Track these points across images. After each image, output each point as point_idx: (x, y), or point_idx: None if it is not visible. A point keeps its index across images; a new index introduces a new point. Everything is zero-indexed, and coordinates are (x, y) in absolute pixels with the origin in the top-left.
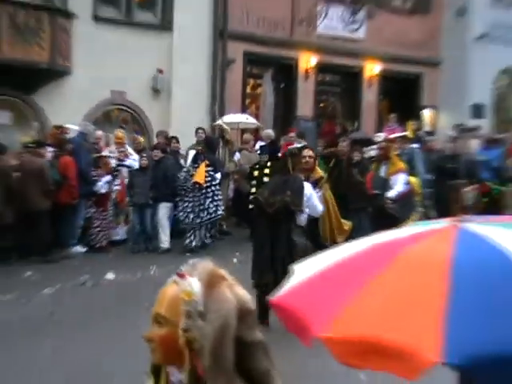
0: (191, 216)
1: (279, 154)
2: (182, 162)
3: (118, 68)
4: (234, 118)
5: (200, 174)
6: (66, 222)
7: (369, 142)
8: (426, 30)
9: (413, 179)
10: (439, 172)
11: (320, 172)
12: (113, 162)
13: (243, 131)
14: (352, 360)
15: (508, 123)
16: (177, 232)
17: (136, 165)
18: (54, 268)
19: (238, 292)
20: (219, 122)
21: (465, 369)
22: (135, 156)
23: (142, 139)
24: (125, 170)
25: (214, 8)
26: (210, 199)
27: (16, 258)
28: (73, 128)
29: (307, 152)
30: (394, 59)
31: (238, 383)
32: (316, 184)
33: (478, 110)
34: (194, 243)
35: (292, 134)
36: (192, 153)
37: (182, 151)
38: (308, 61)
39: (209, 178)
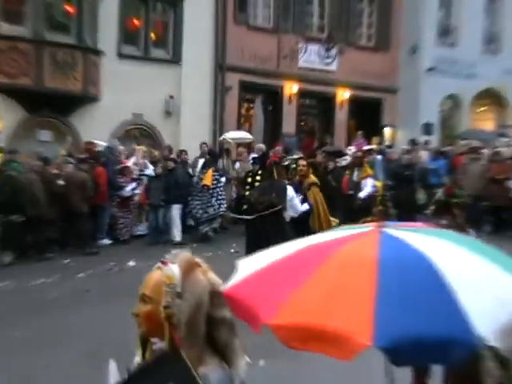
0: (200, 212)
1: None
2: (190, 170)
3: (137, 95)
4: (236, 134)
5: (208, 178)
6: (96, 220)
7: (340, 154)
8: (386, 64)
9: (378, 183)
10: (397, 178)
11: (313, 178)
12: (135, 171)
13: (238, 145)
14: (295, 343)
15: (451, 139)
16: (188, 227)
17: (152, 173)
18: (87, 257)
19: (210, 277)
20: (224, 137)
21: (391, 351)
22: (150, 166)
23: (156, 152)
24: (145, 178)
25: (215, 46)
26: (215, 198)
27: (57, 249)
28: (99, 143)
29: (301, 162)
30: (361, 87)
31: (207, 353)
32: (309, 188)
33: (427, 128)
34: (204, 230)
35: (278, 148)
36: (201, 161)
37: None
38: (291, 88)
39: (215, 182)
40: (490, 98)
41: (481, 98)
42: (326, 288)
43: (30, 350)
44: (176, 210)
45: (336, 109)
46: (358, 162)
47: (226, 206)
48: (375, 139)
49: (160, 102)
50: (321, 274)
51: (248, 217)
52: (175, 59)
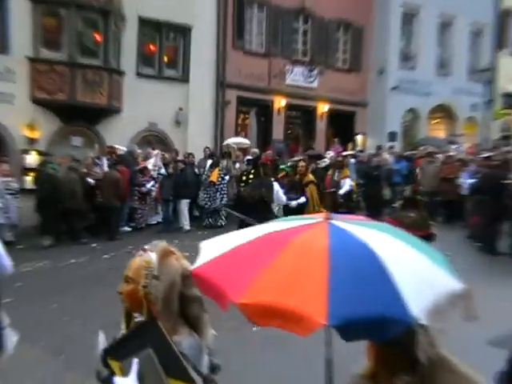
0: (208, 203)
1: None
2: (196, 170)
3: (152, 107)
4: (236, 140)
5: (214, 176)
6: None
7: (320, 157)
8: (358, 83)
9: (354, 182)
10: (367, 177)
11: (311, 177)
12: (152, 171)
13: (239, 149)
14: (259, 320)
15: (412, 145)
16: (194, 218)
17: (165, 172)
18: (111, 242)
19: (182, 262)
20: (228, 142)
21: (342, 328)
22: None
23: (167, 155)
24: (160, 177)
25: (217, 67)
26: (219, 192)
27: (88, 235)
28: (120, 147)
29: (301, 163)
30: (337, 101)
31: (180, 324)
32: (307, 185)
33: (392, 136)
34: (209, 221)
35: (269, 152)
36: (209, 162)
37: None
38: (280, 102)
39: (220, 179)
40: (443, 112)
41: (435, 111)
42: (287, 272)
43: (63, 319)
44: (184, 204)
45: (317, 119)
46: (338, 165)
47: (226, 199)
48: (350, 145)
49: (171, 113)
50: (281, 259)
51: (239, 214)
52: (184, 78)
